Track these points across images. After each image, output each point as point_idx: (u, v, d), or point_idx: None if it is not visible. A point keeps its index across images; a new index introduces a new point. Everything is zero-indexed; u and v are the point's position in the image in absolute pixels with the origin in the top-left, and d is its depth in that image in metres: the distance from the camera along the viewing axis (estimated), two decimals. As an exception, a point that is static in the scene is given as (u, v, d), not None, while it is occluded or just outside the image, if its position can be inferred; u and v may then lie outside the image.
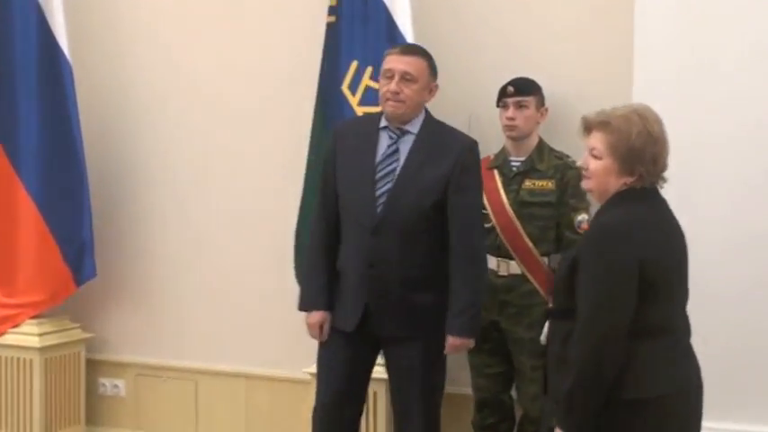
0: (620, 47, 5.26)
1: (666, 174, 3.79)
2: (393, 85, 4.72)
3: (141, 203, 6.62)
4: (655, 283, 3.62)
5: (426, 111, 4.89)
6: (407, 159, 4.76)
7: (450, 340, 4.76)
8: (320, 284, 4.91)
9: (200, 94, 6.45)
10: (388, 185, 4.74)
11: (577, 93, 5.44)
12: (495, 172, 5.38)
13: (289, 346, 6.03)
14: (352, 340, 4.84)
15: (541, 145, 5.38)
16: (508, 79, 5.38)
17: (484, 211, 5.15)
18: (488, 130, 5.42)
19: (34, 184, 6.36)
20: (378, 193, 4.75)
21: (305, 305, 5.00)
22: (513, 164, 5.38)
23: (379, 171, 4.78)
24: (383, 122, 4.84)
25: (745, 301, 4.89)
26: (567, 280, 3.73)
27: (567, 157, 5.30)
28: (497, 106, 5.41)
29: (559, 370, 3.72)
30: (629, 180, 3.72)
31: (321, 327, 4.91)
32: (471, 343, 4.87)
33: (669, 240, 3.75)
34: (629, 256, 3.59)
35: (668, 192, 3.82)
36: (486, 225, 5.23)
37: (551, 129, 5.43)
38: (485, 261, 4.99)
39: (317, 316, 4.91)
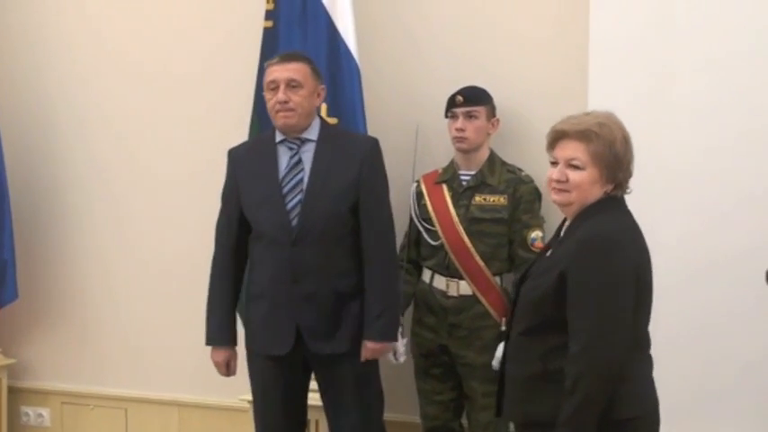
0: (574, 57, 5.23)
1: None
2: (280, 95, 4.71)
3: (66, 221, 6.45)
4: (643, 292, 3.62)
5: (320, 116, 4.92)
6: (313, 167, 4.74)
7: (369, 345, 4.74)
8: (222, 318, 4.88)
9: (132, 107, 6.27)
10: (299, 196, 4.72)
11: (530, 104, 5.38)
12: (444, 187, 5.28)
13: None
14: (283, 365, 4.79)
15: (493, 158, 5.27)
16: (457, 89, 5.27)
17: (432, 228, 5.18)
18: (436, 142, 5.34)
19: None
20: (289, 206, 4.72)
21: (209, 340, 4.94)
22: (463, 178, 5.27)
23: (286, 184, 4.75)
24: (279, 137, 4.83)
25: (701, 326, 4.92)
26: (557, 291, 3.61)
27: (520, 170, 5.24)
28: (446, 117, 5.28)
29: (542, 389, 3.62)
30: (609, 188, 3.68)
31: (227, 364, 4.92)
32: (390, 347, 4.88)
33: (647, 249, 3.74)
34: (629, 264, 3.57)
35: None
36: (435, 243, 5.22)
37: (503, 141, 5.35)
38: (398, 264, 4.99)
39: (222, 354, 4.90)
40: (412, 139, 5.26)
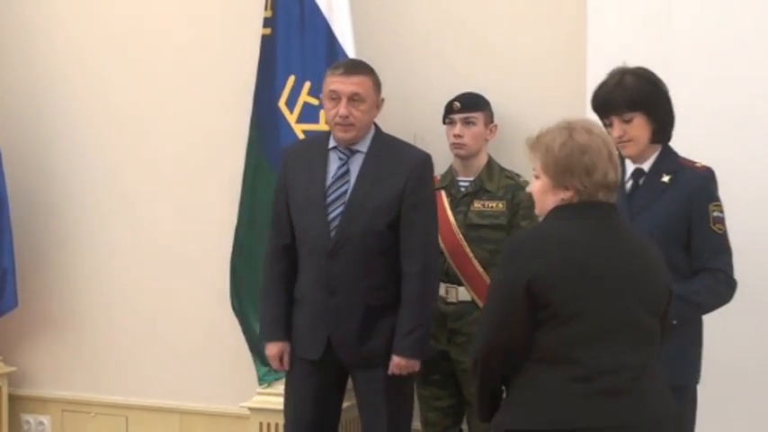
0: (572, 62, 5.21)
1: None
2: (342, 109, 4.66)
3: (66, 229, 6.42)
4: (550, 304, 3.43)
5: (376, 126, 4.84)
6: (358, 180, 4.72)
7: (396, 360, 4.70)
8: (276, 314, 4.87)
9: (128, 113, 6.26)
10: (341, 208, 4.70)
11: (528, 109, 5.33)
12: (443, 193, 5.28)
13: (226, 379, 5.90)
14: (318, 368, 4.79)
15: (491, 164, 5.27)
16: (455, 95, 5.27)
17: None
18: (434, 149, 5.20)
19: None
20: (330, 217, 4.70)
21: (264, 336, 4.97)
22: (462, 184, 5.27)
23: (330, 194, 4.73)
24: (332, 143, 4.79)
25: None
26: None
27: (519, 176, 5.22)
28: (444, 123, 5.29)
29: (506, 398, 3.65)
30: (566, 195, 3.58)
31: (280, 358, 4.85)
32: (417, 365, 4.77)
33: (583, 257, 3.52)
34: (518, 275, 3.45)
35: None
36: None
37: (501, 147, 5.33)
38: (436, 283, 4.96)
39: (275, 347, 4.86)
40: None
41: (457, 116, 5.19)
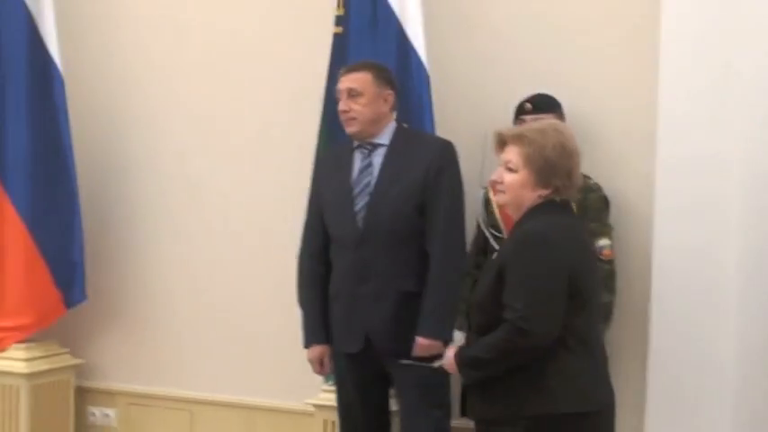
0: (644, 63, 5.19)
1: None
2: (341, 104, 4.93)
3: (135, 222, 6.46)
4: (578, 296, 3.77)
5: (396, 121, 5.01)
6: (381, 170, 4.90)
7: (419, 341, 4.76)
8: (315, 317, 5.02)
9: (198, 109, 6.29)
10: (366, 199, 4.87)
11: (599, 111, 5.35)
12: None
13: (291, 376, 5.83)
14: (357, 362, 4.91)
15: None
16: (525, 96, 5.26)
17: (499, 235, 5.13)
18: None
19: (23, 202, 6.20)
20: (357, 208, 4.87)
21: (304, 340, 5.08)
22: None
23: (356, 187, 4.91)
24: (355, 143, 4.99)
25: None
26: (495, 289, 3.82)
27: (588, 178, 5.17)
28: (514, 124, 5.21)
29: (493, 387, 3.85)
30: (544, 193, 3.87)
31: (321, 361, 5.02)
32: (441, 346, 4.69)
33: (589, 251, 4.02)
34: (558, 259, 3.76)
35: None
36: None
37: None
38: (460, 265, 4.98)
39: (315, 351, 5.02)
40: (480, 146, 5.08)
41: (528, 117, 5.14)
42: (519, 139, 3.88)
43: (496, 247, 5.11)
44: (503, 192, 3.94)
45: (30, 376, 6.14)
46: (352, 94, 4.87)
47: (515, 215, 3.96)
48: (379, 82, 4.91)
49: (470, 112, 5.47)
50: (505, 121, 5.22)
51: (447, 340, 4.73)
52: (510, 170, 3.88)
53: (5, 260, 6.23)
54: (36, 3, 6.14)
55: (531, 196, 3.87)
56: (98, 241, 6.43)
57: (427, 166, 4.82)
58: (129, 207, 6.45)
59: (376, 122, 4.90)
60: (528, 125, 3.97)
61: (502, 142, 3.95)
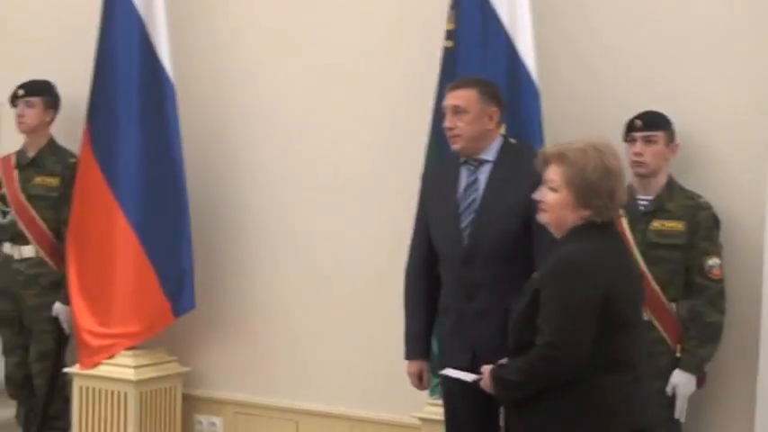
0: (759, 81, 5.12)
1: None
2: (446, 122, 4.91)
3: (245, 231, 6.50)
4: (619, 315, 3.80)
5: (503, 136, 5.00)
6: (486, 187, 4.88)
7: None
8: (417, 331, 5.08)
9: (309, 120, 6.32)
10: (472, 215, 4.85)
11: (711, 129, 5.29)
12: (621, 211, 5.08)
13: (397, 388, 5.67)
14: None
15: (671, 183, 5.22)
16: (635, 112, 5.22)
17: None
18: None
19: (134, 212, 6.30)
20: (462, 225, 4.86)
21: (405, 353, 5.13)
22: (641, 203, 5.22)
23: (462, 204, 4.90)
24: (462, 158, 4.97)
25: None
26: (529, 311, 3.87)
27: (699, 197, 5.17)
28: (624, 141, 5.23)
29: (533, 407, 3.89)
30: (586, 213, 3.87)
31: (420, 376, 5.07)
32: None
33: (632, 274, 4.02)
34: (592, 289, 3.76)
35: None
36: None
37: (682, 166, 5.27)
38: None
39: (414, 366, 5.08)
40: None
41: (638, 134, 5.15)
42: (560, 158, 3.90)
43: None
44: (545, 211, 3.96)
45: (138, 383, 6.20)
46: (457, 111, 4.86)
47: (558, 234, 3.97)
48: (485, 99, 4.89)
49: (579, 128, 5.28)
50: (615, 137, 5.13)
51: None
52: (552, 190, 3.91)
53: (116, 268, 6.32)
54: (149, 13, 6.24)
55: (573, 217, 3.88)
56: (207, 249, 6.47)
57: (533, 183, 4.64)
58: (239, 214, 6.49)
59: (481, 139, 4.89)
60: (571, 144, 3.95)
61: (545, 161, 3.97)
